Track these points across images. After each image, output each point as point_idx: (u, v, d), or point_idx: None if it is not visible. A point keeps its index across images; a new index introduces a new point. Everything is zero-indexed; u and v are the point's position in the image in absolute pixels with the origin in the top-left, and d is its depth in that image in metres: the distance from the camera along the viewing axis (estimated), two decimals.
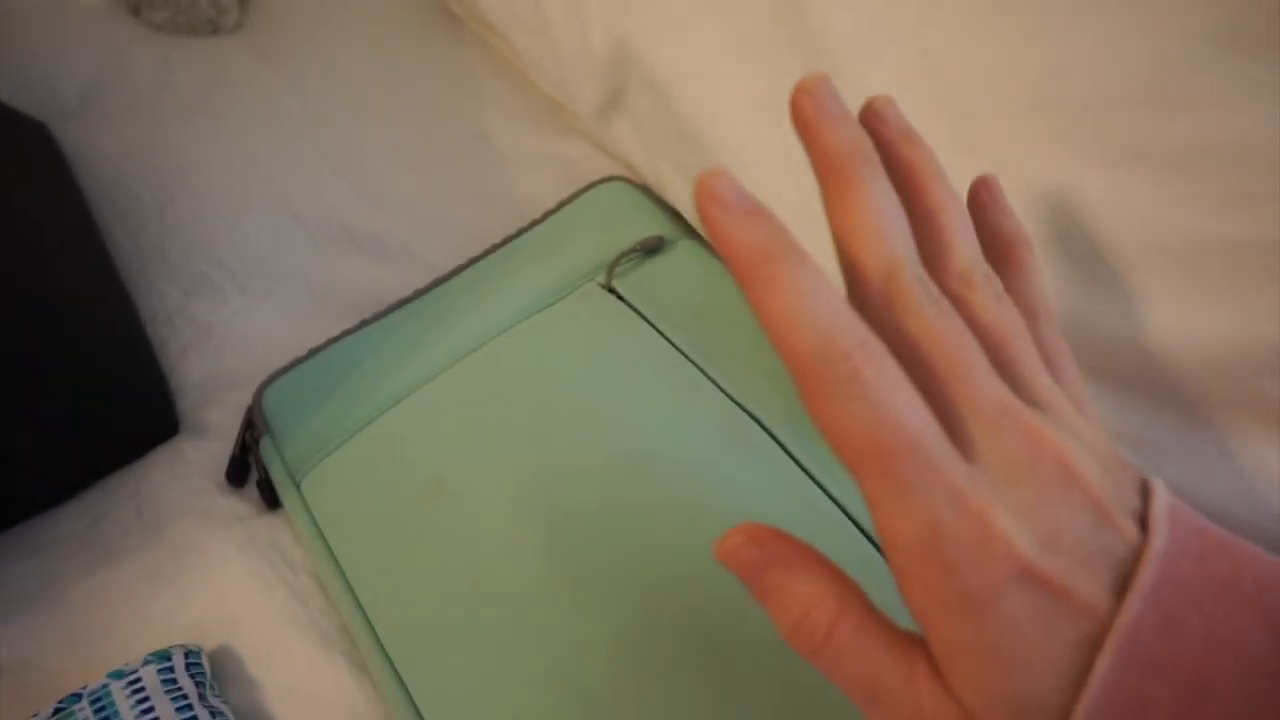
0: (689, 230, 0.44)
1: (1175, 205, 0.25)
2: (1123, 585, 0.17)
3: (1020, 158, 0.28)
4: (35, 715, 0.32)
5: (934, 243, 0.21)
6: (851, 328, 0.17)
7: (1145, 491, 0.19)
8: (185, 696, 0.33)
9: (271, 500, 0.39)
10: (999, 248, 0.22)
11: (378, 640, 0.34)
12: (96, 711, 0.32)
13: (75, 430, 0.41)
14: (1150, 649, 0.17)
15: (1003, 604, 0.17)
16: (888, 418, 0.17)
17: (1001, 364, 0.19)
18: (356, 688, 0.35)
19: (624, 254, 0.42)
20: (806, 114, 0.21)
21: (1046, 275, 0.24)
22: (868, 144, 0.20)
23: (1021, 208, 0.28)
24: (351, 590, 0.35)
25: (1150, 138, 0.25)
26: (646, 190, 0.46)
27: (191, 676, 0.34)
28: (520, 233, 0.45)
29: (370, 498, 0.36)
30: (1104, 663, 0.17)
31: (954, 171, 0.29)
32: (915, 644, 0.19)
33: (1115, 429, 0.29)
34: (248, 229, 0.48)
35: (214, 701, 0.34)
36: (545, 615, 0.32)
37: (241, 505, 0.40)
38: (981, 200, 0.23)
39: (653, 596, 0.32)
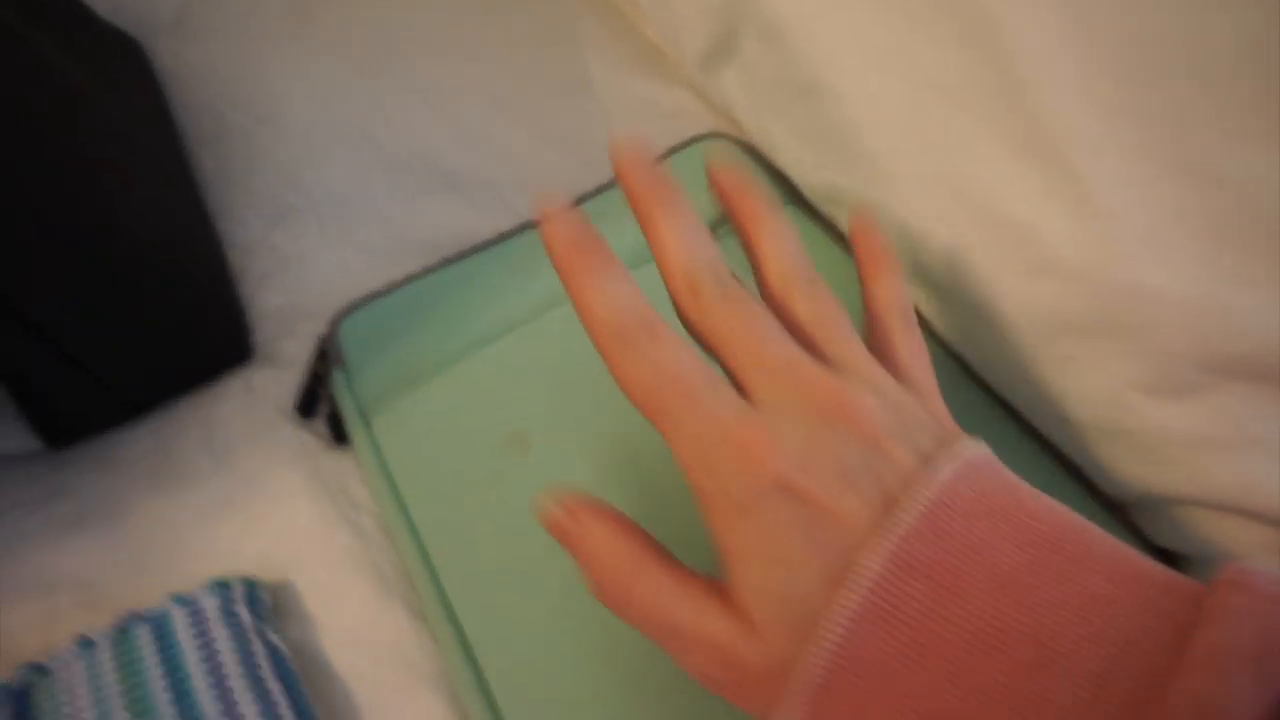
0: (793, 197, 0.42)
1: None
2: (891, 503, 0.20)
3: (1183, 132, 0.25)
4: (97, 633, 0.32)
5: (758, 262, 0.26)
6: (637, 311, 0.23)
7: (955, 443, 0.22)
8: (243, 628, 0.32)
9: (340, 435, 0.38)
10: (864, 262, 0.28)
11: (440, 590, 0.32)
12: (158, 637, 0.31)
13: (149, 349, 0.40)
14: (915, 555, 0.19)
15: (763, 510, 0.21)
16: (663, 371, 0.22)
17: (814, 338, 0.24)
18: (414, 635, 0.33)
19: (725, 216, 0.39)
20: (620, 163, 0.26)
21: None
22: (667, 184, 0.25)
23: (1181, 189, 0.25)
24: (417, 535, 0.34)
25: None
26: (750, 150, 0.43)
27: (250, 608, 0.33)
28: (614, 183, 0.43)
29: (444, 444, 0.35)
30: (872, 563, 0.19)
31: (1111, 141, 0.26)
32: (709, 586, 0.22)
33: (1260, 438, 0.26)
34: (334, 161, 0.47)
35: (271, 636, 0.33)
36: None
37: (310, 438, 0.39)
38: (853, 223, 0.29)
39: None
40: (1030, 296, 0.29)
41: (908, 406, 0.23)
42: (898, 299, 0.27)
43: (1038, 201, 0.28)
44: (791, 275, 0.25)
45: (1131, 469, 0.29)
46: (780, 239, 0.26)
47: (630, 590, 0.23)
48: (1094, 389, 0.29)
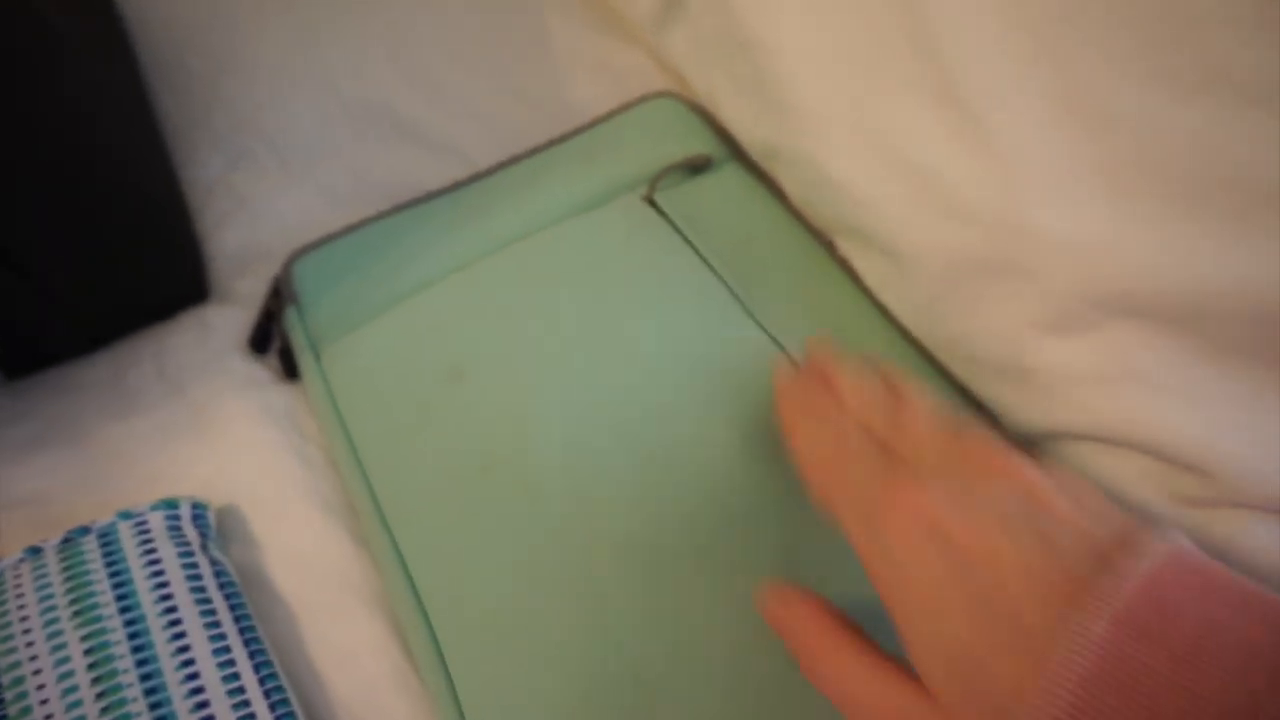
0: (737, 154, 0.43)
1: (1262, 141, 0.24)
2: (1068, 561, 0.20)
3: (1093, 76, 0.27)
4: (44, 542, 0.33)
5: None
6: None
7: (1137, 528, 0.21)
8: (189, 544, 0.33)
9: (290, 370, 0.40)
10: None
11: (381, 515, 0.34)
12: (103, 546, 0.33)
13: (108, 283, 0.41)
14: (1140, 619, 0.18)
15: (918, 563, 0.21)
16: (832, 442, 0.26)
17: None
18: (354, 559, 0.35)
19: (669, 168, 0.41)
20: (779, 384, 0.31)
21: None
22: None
23: (1075, 131, 0.27)
24: (360, 463, 0.35)
25: (1237, 64, 0.24)
26: (698, 109, 0.45)
27: (196, 527, 0.34)
28: (565, 137, 0.44)
29: (388, 376, 0.36)
30: (1098, 628, 0.18)
31: (1015, 87, 0.28)
32: (894, 665, 0.22)
33: (1140, 371, 0.28)
34: (295, 107, 0.48)
35: (215, 554, 0.34)
36: (553, 508, 0.32)
37: (261, 372, 0.40)
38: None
39: (667, 501, 0.32)
40: (939, 240, 0.31)
41: (1076, 487, 0.22)
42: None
43: (945, 147, 0.30)
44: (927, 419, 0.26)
45: (1030, 408, 0.31)
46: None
47: (817, 664, 0.24)
48: (997, 330, 0.30)
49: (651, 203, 0.40)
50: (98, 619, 0.30)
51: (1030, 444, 0.33)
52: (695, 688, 0.29)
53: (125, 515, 0.34)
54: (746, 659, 0.29)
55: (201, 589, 0.32)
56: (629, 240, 0.39)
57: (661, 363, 0.35)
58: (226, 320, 0.42)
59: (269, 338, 0.41)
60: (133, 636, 0.30)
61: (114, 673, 0.29)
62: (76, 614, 0.30)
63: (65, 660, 0.30)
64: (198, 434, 0.38)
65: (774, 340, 0.35)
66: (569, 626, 0.30)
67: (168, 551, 0.33)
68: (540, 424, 0.33)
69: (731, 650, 0.29)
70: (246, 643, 0.32)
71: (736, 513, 0.32)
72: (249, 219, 0.45)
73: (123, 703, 0.29)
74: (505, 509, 0.32)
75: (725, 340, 0.35)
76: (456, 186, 0.43)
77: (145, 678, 0.30)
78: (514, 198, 0.42)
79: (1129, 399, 0.28)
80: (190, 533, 0.34)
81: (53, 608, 0.30)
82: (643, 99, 0.45)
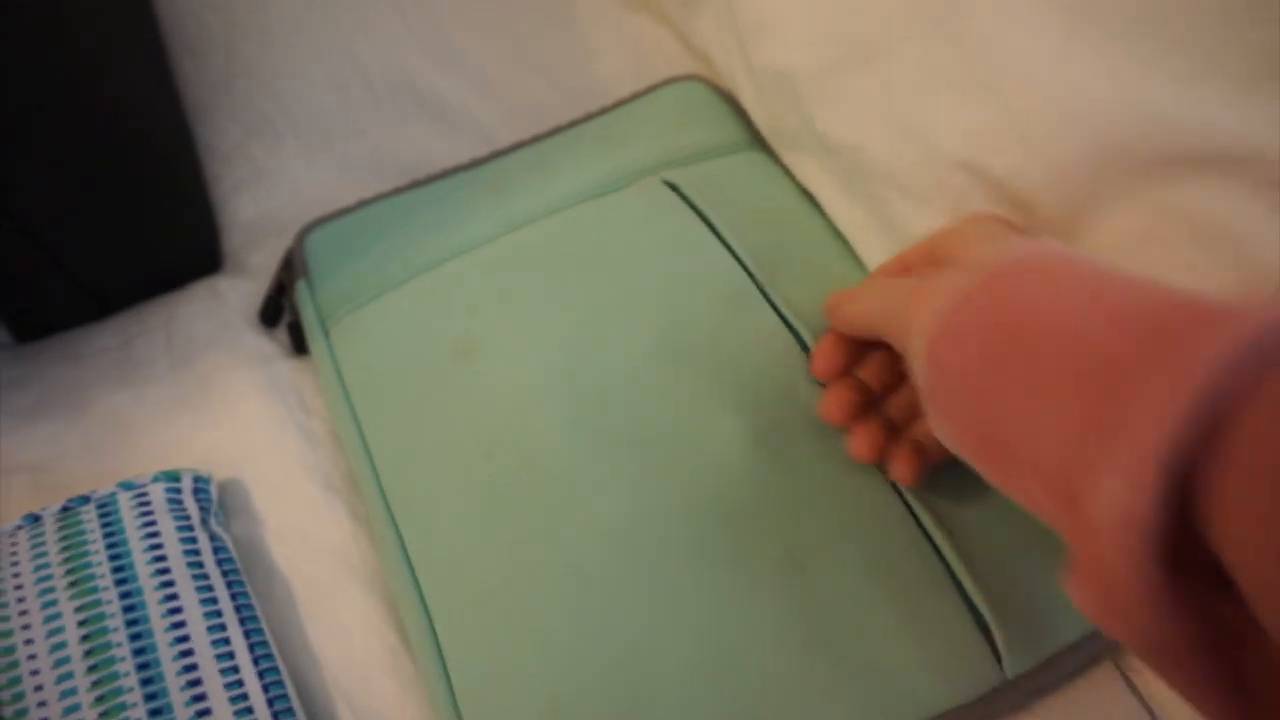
0: (760, 140, 0.42)
1: None
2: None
3: None
4: (43, 510, 0.33)
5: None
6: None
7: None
8: (188, 518, 0.33)
9: (299, 344, 0.39)
10: None
11: (382, 493, 0.33)
12: (102, 516, 0.32)
13: (121, 249, 0.41)
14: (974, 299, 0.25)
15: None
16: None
17: None
18: (353, 536, 0.35)
19: (692, 153, 0.40)
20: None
21: None
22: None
23: None
24: (364, 441, 0.35)
25: None
26: (722, 93, 0.44)
27: (197, 500, 0.34)
28: (588, 118, 0.43)
29: (397, 353, 0.36)
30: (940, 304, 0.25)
31: None
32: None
33: None
34: (314, 77, 0.47)
35: (215, 528, 0.34)
36: (553, 493, 0.31)
37: (270, 346, 0.40)
38: None
39: (667, 491, 0.31)
40: None
41: None
42: None
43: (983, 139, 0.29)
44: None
45: None
46: None
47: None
48: None
49: (672, 186, 0.39)
50: (93, 590, 0.30)
51: None
52: (684, 676, 0.29)
53: (126, 485, 0.33)
54: (736, 654, 0.29)
55: (199, 564, 0.32)
56: (647, 223, 0.38)
57: (673, 348, 0.34)
58: (238, 292, 0.41)
59: (279, 311, 0.41)
60: (128, 610, 0.30)
61: (107, 645, 0.29)
62: (72, 584, 0.30)
63: (59, 631, 0.29)
64: (203, 406, 0.38)
65: (790, 327, 0.34)
66: (560, 610, 0.30)
67: (166, 525, 0.32)
68: (545, 408, 0.33)
69: (721, 644, 0.29)
70: (242, 620, 0.31)
71: (735, 508, 0.31)
72: (265, 190, 0.44)
73: (115, 676, 0.29)
74: (505, 492, 0.32)
75: (740, 326, 0.34)
76: (475, 164, 0.42)
77: (139, 652, 0.29)
78: (532, 178, 0.41)
79: None
80: (191, 506, 0.34)
81: (49, 577, 0.30)
82: (668, 81, 0.44)
